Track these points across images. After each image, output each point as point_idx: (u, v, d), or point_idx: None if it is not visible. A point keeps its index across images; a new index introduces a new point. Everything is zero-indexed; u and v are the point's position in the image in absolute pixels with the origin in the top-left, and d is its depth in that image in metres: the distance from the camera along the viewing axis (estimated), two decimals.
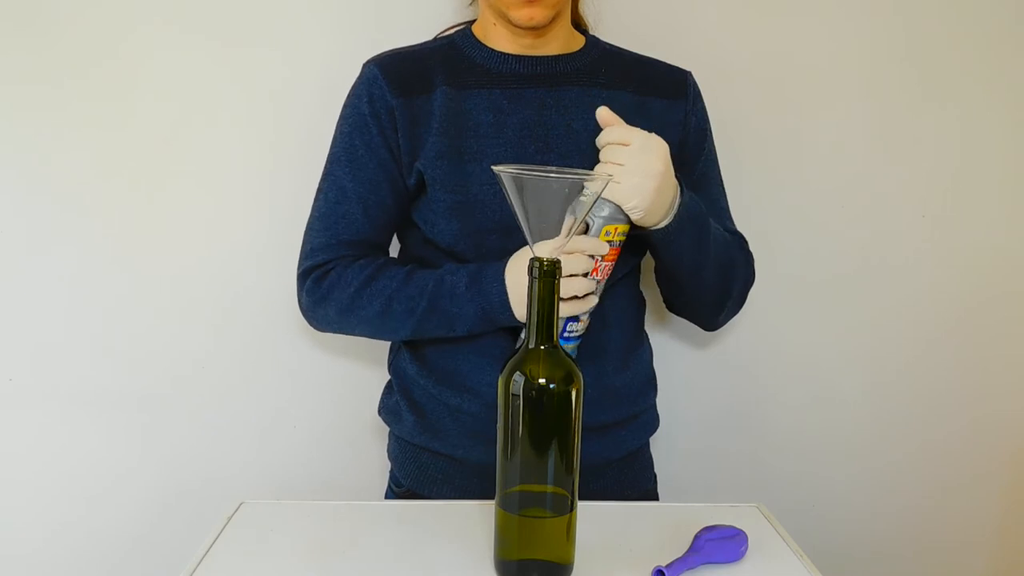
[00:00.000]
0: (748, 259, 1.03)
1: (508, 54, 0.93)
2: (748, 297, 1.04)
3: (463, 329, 0.89)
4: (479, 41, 0.95)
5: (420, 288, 0.90)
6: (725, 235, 0.97)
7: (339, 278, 0.93)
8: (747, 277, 1.03)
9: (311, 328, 1.21)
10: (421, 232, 0.96)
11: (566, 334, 0.85)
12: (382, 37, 1.03)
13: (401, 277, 0.91)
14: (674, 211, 0.87)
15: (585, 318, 0.86)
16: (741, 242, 1.03)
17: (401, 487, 1.02)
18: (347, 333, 0.98)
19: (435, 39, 1.01)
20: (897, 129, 1.24)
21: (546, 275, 0.67)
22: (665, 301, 1.07)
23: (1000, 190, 1.27)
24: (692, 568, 0.74)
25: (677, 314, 1.08)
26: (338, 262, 0.94)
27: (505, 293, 0.85)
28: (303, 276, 0.96)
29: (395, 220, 0.98)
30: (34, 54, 1.12)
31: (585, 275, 0.82)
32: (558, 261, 0.68)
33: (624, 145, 0.83)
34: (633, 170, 0.82)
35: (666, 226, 0.87)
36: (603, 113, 0.87)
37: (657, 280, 1.04)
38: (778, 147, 1.23)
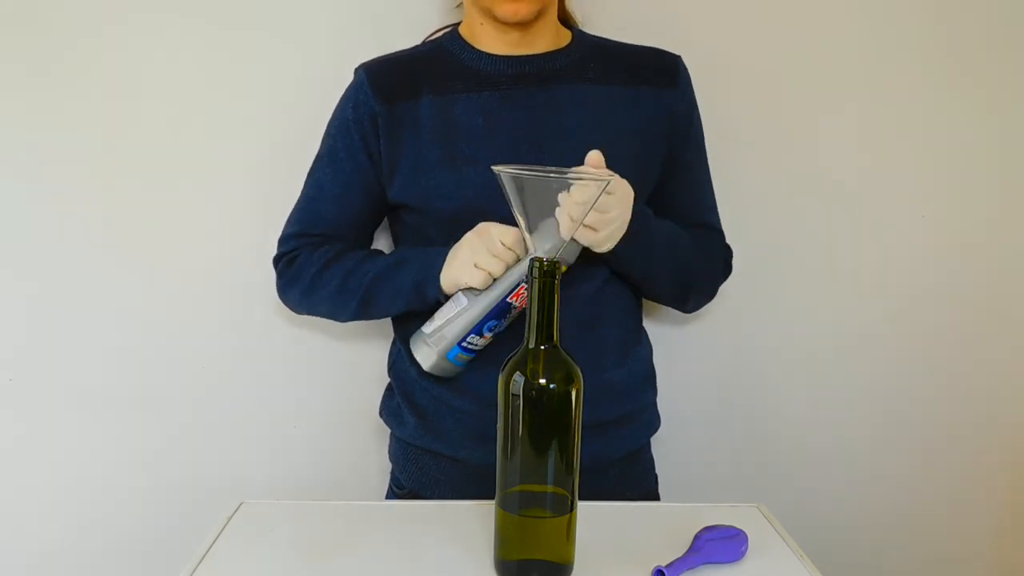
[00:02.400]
0: (713, 257, 1.03)
1: (496, 55, 0.93)
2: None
3: (401, 302, 0.93)
4: (467, 43, 0.95)
5: (374, 263, 0.95)
6: (681, 239, 0.96)
7: (305, 260, 0.99)
8: (711, 275, 1.04)
9: (311, 328, 1.22)
10: (418, 236, 0.96)
11: (467, 344, 0.87)
12: (375, 41, 1.03)
13: (360, 256, 0.98)
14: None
15: (489, 335, 0.88)
16: (708, 240, 1.02)
17: (402, 488, 1.02)
18: (314, 312, 1.04)
19: (424, 43, 1.01)
20: (897, 129, 1.24)
21: (546, 275, 0.67)
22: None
23: (1000, 190, 1.27)
24: (692, 568, 0.74)
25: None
26: (305, 248, 0.99)
27: (441, 265, 0.88)
28: (276, 262, 1.03)
29: (367, 219, 1.02)
30: (37, 55, 1.12)
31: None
32: (558, 261, 0.68)
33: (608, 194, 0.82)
34: (614, 219, 0.84)
35: (612, 249, 0.87)
36: (593, 158, 0.81)
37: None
38: (777, 147, 1.23)
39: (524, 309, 0.85)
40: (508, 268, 0.84)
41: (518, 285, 0.84)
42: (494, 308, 0.85)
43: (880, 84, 1.23)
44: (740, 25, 1.19)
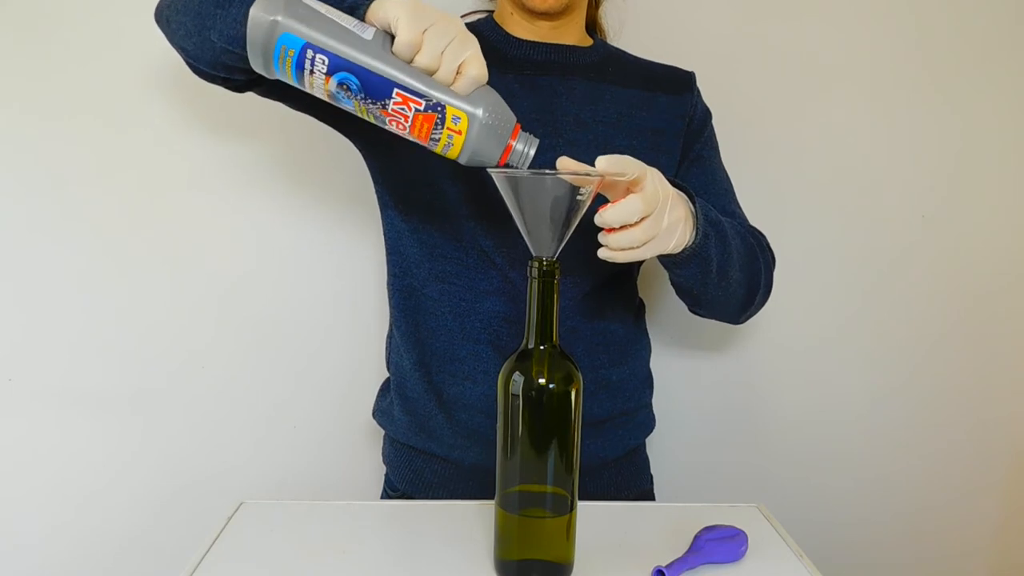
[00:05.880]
0: (760, 242, 0.96)
1: (523, 40, 0.94)
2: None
3: None
4: (498, 26, 0.96)
5: None
6: (738, 227, 0.90)
7: None
8: (767, 263, 0.95)
9: (311, 328, 1.22)
10: (412, 213, 0.95)
11: (307, 55, 0.64)
12: None
13: None
14: (693, 223, 0.76)
15: (332, 82, 0.66)
16: (751, 229, 0.97)
17: (396, 491, 1.02)
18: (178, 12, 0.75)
19: None
20: (897, 129, 1.24)
21: (546, 275, 0.67)
22: (689, 308, 0.99)
23: (1000, 190, 1.27)
24: (692, 568, 0.74)
25: (703, 317, 1.00)
26: None
27: None
28: None
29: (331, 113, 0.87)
30: (41, 52, 1.12)
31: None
32: (558, 261, 0.68)
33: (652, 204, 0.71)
34: (676, 220, 0.74)
35: (692, 240, 0.77)
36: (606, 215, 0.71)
37: (678, 294, 0.95)
38: (778, 148, 1.23)
39: (388, 125, 0.68)
40: (433, 79, 0.66)
41: (418, 96, 0.65)
42: (374, 73, 0.65)
43: (881, 86, 1.23)
44: (748, 32, 1.20)
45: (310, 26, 0.63)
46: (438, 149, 0.69)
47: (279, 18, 0.63)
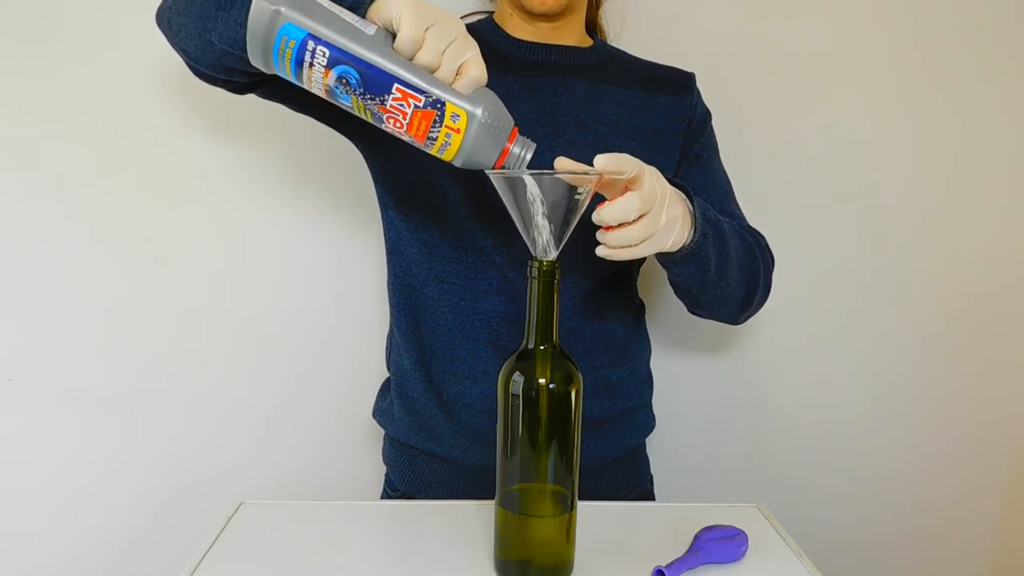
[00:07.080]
0: (759, 242, 0.96)
1: (522, 40, 0.95)
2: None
3: None
4: (498, 26, 0.96)
5: None
6: (737, 227, 0.90)
7: None
8: (766, 263, 0.95)
9: (311, 328, 1.22)
10: (412, 213, 0.95)
11: (309, 46, 0.63)
12: None
13: None
14: (691, 221, 0.76)
15: (331, 75, 0.65)
16: (750, 229, 0.98)
17: (396, 491, 1.02)
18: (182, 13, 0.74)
19: None
20: (897, 129, 1.24)
21: (546, 275, 0.67)
22: (688, 309, 0.99)
23: (1000, 190, 1.27)
24: (692, 568, 0.74)
25: (702, 317, 1.00)
26: None
27: None
28: None
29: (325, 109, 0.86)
30: (41, 52, 1.12)
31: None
32: (557, 261, 0.68)
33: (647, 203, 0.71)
34: (674, 218, 0.74)
35: (690, 239, 0.77)
36: (603, 213, 0.71)
37: (677, 294, 0.95)
38: (778, 148, 1.23)
39: (375, 118, 0.68)
40: (433, 76, 0.66)
41: (419, 92, 0.65)
42: (375, 67, 0.64)
43: (880, 86, 1.23)
44: (746, 31, 1.20)
45: (312, 17, 0.63)
46: (434, 149, 0.69)
47: (282, 8, 0.63)
